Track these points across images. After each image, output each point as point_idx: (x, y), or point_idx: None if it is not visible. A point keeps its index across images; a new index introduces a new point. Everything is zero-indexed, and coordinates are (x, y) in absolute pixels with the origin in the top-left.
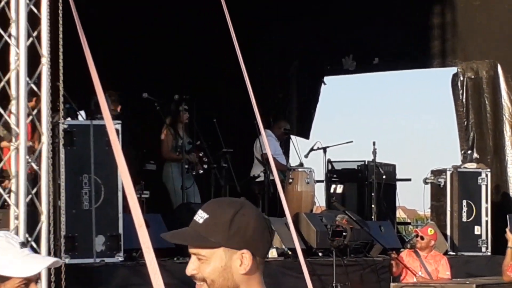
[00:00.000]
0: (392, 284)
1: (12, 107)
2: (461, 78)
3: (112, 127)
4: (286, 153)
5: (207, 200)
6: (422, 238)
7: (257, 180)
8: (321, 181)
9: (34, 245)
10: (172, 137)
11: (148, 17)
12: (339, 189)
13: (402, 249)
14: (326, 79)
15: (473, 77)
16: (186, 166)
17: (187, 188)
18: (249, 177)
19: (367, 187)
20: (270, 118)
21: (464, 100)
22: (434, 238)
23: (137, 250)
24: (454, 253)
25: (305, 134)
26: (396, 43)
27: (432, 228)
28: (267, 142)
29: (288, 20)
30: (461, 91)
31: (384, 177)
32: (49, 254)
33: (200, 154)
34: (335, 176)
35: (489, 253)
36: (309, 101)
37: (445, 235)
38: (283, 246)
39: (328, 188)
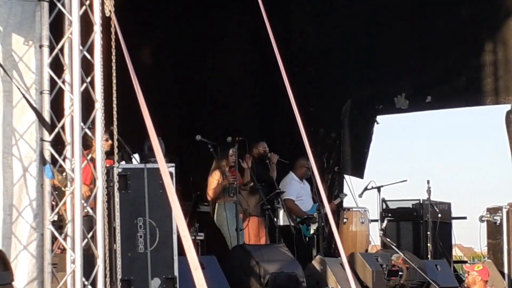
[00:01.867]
0: None
1: (67, 152)
2: None
3: (166, 170)
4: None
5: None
6: (468, 274)
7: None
8: (376, 221)
9: None
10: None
11: (200, 59)
12: (385, 223)
13: None
14: (379, 118)
15: None
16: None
17: (241, 230)
18: (304, 217)
19: (422, 225)
20: (324, 158)
21: None
22: (481, 274)
23: None
24: None
25: (360, 173)
26: (449, 81)
27: (481, 265)
28: (319, 180)
29: (340, 59)
30: None
31: (439, 215)
32: None
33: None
34: (389, 215)
35: None
36: (362, 140)
37: (502, 274)
38: (339, 287)
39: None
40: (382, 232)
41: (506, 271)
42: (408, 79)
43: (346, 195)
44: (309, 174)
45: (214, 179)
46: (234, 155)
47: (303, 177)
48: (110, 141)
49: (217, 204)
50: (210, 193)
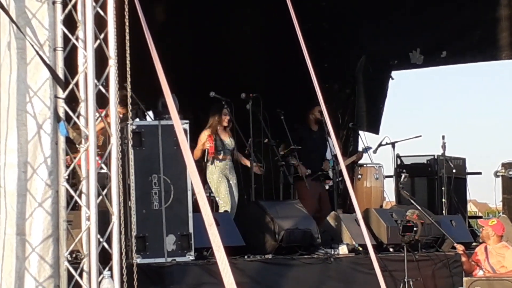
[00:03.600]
0: (465, 279)
1: (81, 109)
2: None
3: (180, 127)
4: (355, 148)
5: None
6: (483, 229)
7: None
8: (390, 176)
9: (106, 246)
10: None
11: (215, 16)
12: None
13: (474, 243)
14: (394, 73)
15: None
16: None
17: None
18: (318, 173)
19: (437, 181)
20: (338, 114)
21: None
22: (495, 229)
23: (208, 249)
24: None
25: (375, 129)
26: (464, 35)
27: (495, 220)
28: (336, 142)
29: (354, 15)
30: None
31: (454, 171)
32: (120, 254)
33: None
34: (404, 171)
35: None
36: (377, 96)
37: None
38: (354, 242)
39: (397, 182)
40: (401, 186)
41: None
42: (423, 35)
43: (371, 147)
44: (322, 120)
45: (201, 140)
46: (228, 114)
47: (317, 125)
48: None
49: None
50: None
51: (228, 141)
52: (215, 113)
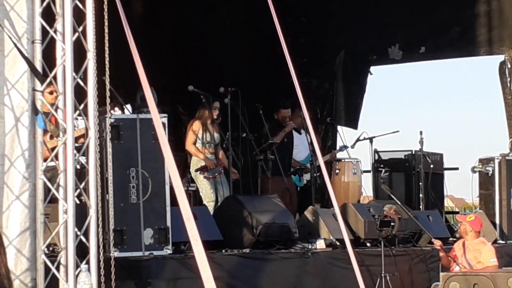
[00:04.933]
0: (441, 274)
1: (59, 102)
2: (509, 66)
3: (159, 120)
4: (334, 143)
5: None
6: (461, 224)
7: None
8: (368, 171)
9: (83, 239)
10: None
11: (194, 10)
12: (385, 174)
13: (451, 238)
14: (373, 69)
15: None
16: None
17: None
18: (297, 168)
19: (414, 176)
20: (317, 109)
21: None
22: (473, 224)
23: (186, 243)
24: (503, 242)
25: (354, 124)
26: (442, 31)
27: (473, 215)
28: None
29: (333, 10)
30: (508, 79)
31: (431, 166)
32: (98, 247)
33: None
34: (382, 166)
35: None
36: (356, 91)
37: (494, 224)
38: (331, 237)
39: (375, 177)
40: (382, 181)
41: (497, 221)
42: (402, 30)
43: (348, 147)
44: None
45: (193, 130)
46: (217, 108)
47: (299, 127)
48: (55, 94)
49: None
50: (188, 145)
51: (216, 135)
52: (205, 105)
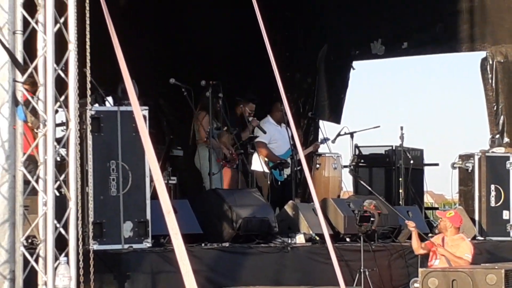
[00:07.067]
0: (420, 270)
1: (40, 93)
2: (490, 62)
3: (139, 113)
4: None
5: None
6: (440, 220)
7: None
8: (349, 166)
9: (63, 232)
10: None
11: (177, 2)
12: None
13: (430, 234)
14: (355, 63)
15: (502, 61)
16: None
17: (214, 174)
18: (277, 162)
19: (394, 172)
20: (299, 104)
21: (493, 84)
22: (453, 220)
23: (165, 236)
24: (482, 238)
25: (336, 119)
26: (425, 27)
27: (453, 211)
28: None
29: (317, 5)
30: (490, 75)
31: (411, 162)
32: (77, 240)
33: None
34: (362, 161)
35: None
36: (339, 85)
37: (473, 220)
38: (311, 232)
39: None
40: (350, 169)
41: (476, 218)
42: (385, 25)
43: (329, 139)
44: (286, 119)
45: (205, 121)
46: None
47: (281, 121)
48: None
49: (200, 146)
50: (203, 136)
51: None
52: (212, 96)
